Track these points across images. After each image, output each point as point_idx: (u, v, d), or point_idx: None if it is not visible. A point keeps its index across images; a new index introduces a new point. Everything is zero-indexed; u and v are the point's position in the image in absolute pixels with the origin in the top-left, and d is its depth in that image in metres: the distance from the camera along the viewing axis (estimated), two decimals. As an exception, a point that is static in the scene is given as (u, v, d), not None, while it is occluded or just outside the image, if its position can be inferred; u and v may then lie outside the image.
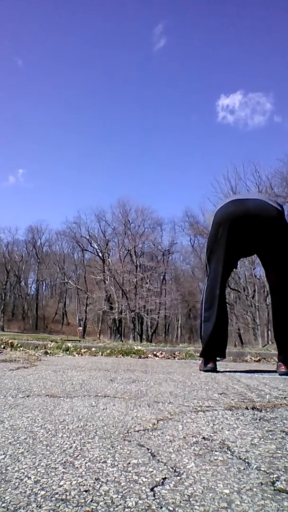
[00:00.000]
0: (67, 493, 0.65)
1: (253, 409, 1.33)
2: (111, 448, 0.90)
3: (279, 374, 2.41)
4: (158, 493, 0.66)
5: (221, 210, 2.57)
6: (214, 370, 2.50)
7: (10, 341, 4.04)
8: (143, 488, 0.68)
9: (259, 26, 57.48)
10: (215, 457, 0.85)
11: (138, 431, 1.05)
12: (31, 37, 65.95)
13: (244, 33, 58.31)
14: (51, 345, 4.15)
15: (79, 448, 0.89)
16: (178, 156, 65.37)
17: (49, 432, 1.02)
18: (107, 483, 0.70)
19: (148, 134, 67.88)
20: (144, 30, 63.68)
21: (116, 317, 34.42)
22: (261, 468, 0.78)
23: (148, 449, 0.89)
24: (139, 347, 4.37)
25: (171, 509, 0.61)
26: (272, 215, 2.43)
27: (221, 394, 1.64)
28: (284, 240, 2.44)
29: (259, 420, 1.19)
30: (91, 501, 0.63)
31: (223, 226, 2.51)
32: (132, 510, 0.60)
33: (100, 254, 40.16)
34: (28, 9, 63.00)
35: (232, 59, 61.11)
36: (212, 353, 2.56)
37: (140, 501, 0.63)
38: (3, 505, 0.61)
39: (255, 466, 0.79)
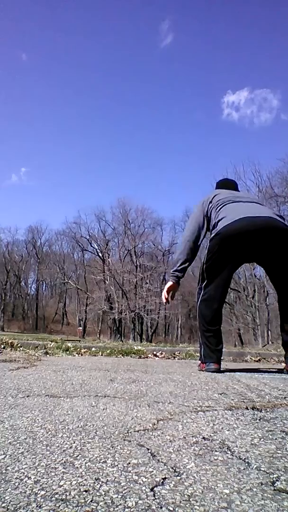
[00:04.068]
0: (67, 493, 0.65)
1: (253, 409, 1.33)
2: (111, 448, 0.90)
3: None
4: (158, 493, 0.66)
5: (229, 227, 2.46)
6: (219, 371, 2.51)
7: (10, 341, 4.04)
8: (143, 488, 0.68)
9: (268, 22, 57.51)
10: (215, 457, 0.84)
11: (138, 431, 1.05)
12: (36, 31, 66.01)
13: (253, 29, 58.34)
14: (51, 345, 4.15)
15: (79, 448, 0.89)
16: (179, 155, 65.45)
17: (49, 432, 1.02)
18: (107, 483, 0.70)
19: (150, 133, 68.00)
20: (150, 27, 63.72)
21: (116, 317, 34.43)
22: (261, 468, 0.78)
23: (148, 449, 0.89)
24: (139, 347, 4.37)
25: (171, 509, 0.61)
26: (283, 234, 2.44)
27: (221, 394, 1.64)
28: None
29: (259, 420, 1.19)
30: (91, 501, 0.63)
31: (230, 245, 2.48)
32: (132, 510, 0.60)
33: (100, 254, 40.20)
34: (33, 3, 63.06)
35: (240, 55, 61.09)
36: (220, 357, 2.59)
37: (140, 501, 0.63)
38: (3, 505, 0.61)
39: (255, 466, 0.79)
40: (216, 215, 2.62)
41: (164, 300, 2.83)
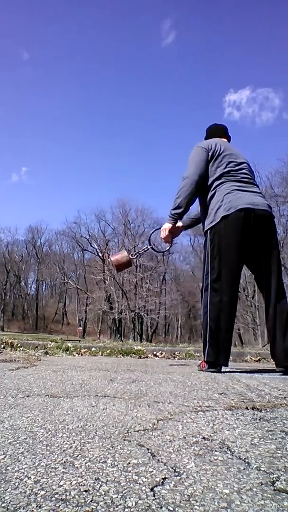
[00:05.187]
0: (67, 493, 0.65)
1: (253, 409, 1.33)
2: (111, 448, 0.90)
3: None
4: (158, 493, 0.66)
5: (232, 218, 2.49)
6: (219, 371, 2.50)
7: (10, 341, 4.04)
8: (143, 488, 0.68)
9: (270, 21, 57.42)
10: (215, 457, 0.84)
11: (138, 431, 1.05)
12: (38, 30, 65.95)
13: (255, 28, 58.27)
14: (51, 345, 4.15)
15: (79, 448, 0.89)
16: (180, 154, 65.24)
17: (49, 432, 1.02)
18: (107, 483, 0.70)
19: (151, 133, 67.97)
20: (152, 26, 63.73)
21: (116, 317, 34.44)
22: (261, 468, 0.78)
23: (148, 449, 0.89)
24: (139, 347, 4.38)
25: (171, 509, 0.61)
26: (273, 223, 2.62)
27: (221, 394, 1.64)
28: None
29: (259, 420, 1.19)
30: (91, 501, 0.63)
31: (236, 233, 2.50)
32: (132, 510, 0.60)
33: (100, 254, 40.18)
34: (34, 2, 63.02)
35: (242, 54, 61.00)
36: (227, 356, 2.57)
37: (140, 501, 0.63)
38: (3, 505, 0.61)
39: (255, 466, 0.79)
40: (215, 189, 2.61)
41: (164, 240, 2.82)
